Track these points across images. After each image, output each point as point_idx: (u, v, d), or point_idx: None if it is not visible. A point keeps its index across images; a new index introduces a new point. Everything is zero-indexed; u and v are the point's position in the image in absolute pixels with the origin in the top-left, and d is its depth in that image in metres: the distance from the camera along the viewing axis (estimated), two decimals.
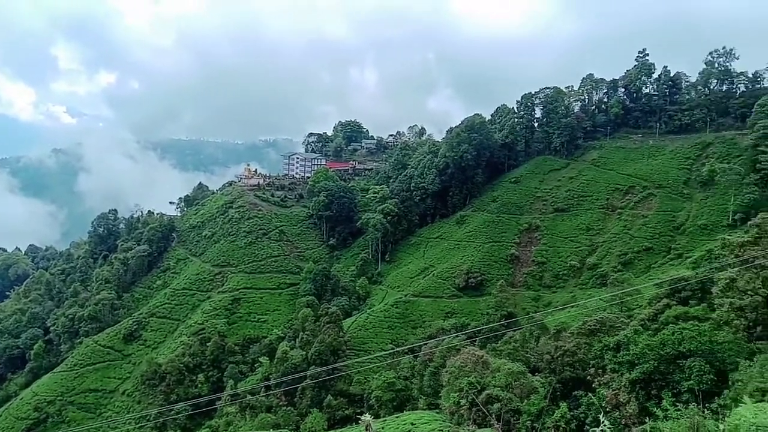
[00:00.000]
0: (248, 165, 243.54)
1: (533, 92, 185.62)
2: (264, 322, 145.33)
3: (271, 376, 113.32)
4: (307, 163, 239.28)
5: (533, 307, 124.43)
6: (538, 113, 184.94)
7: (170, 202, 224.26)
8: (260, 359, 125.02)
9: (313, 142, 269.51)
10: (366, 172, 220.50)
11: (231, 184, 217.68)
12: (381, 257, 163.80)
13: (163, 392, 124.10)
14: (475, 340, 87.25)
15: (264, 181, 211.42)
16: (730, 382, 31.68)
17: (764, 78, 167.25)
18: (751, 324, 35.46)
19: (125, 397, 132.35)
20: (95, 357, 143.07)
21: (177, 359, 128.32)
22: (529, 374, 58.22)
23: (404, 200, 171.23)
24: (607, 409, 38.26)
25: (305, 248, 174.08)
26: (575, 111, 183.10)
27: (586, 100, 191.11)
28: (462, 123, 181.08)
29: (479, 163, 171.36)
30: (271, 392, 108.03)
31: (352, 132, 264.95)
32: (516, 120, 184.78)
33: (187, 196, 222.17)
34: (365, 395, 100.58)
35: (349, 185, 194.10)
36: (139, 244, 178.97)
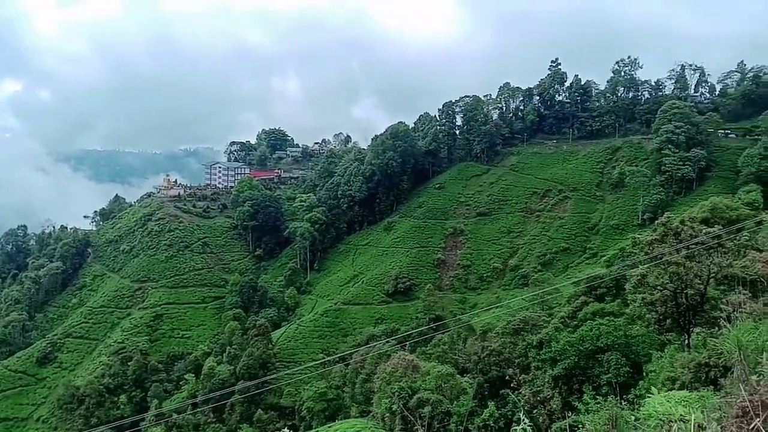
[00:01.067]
0: (168, 175, 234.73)
1: (453, 101, 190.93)
2: (189, 337, 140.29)
3: (198, 393, 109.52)
4: (230, 173, 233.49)
5: (460, 310, 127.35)
6: (459, 121, 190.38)
7: (85, 216, 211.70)
8: (186, 376, 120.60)
9: (235, 150, 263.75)
10: (292, 180, 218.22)
11: (150, 196, 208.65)
12: (309, 266, 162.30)
13: (83, 416, 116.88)
14: (405, 345, 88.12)
15: (185, 191, 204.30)
16: (644, 373, 33.67)
17: (666, 86, 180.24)
18: (661, 317, 37.84)
19: (40, 423, 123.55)
20: (5, 383, 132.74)
21: (96, 381, 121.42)
22: (458, 375, 59.41)
23: (332, 208, 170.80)
24: (533, 406, 39.72)
25: (230, 260, 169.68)
26: (494, 118, 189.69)
27: (504, 108, 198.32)
28: (386, 131, 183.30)
29: (405, 170, 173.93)
30: (199, 410, 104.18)
31: (276, 140, 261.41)
32: (438, 128, 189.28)
33: (103, 209, 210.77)
34: (297, 407, 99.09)
35: (275, 194, 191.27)
36: (51, 261, 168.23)
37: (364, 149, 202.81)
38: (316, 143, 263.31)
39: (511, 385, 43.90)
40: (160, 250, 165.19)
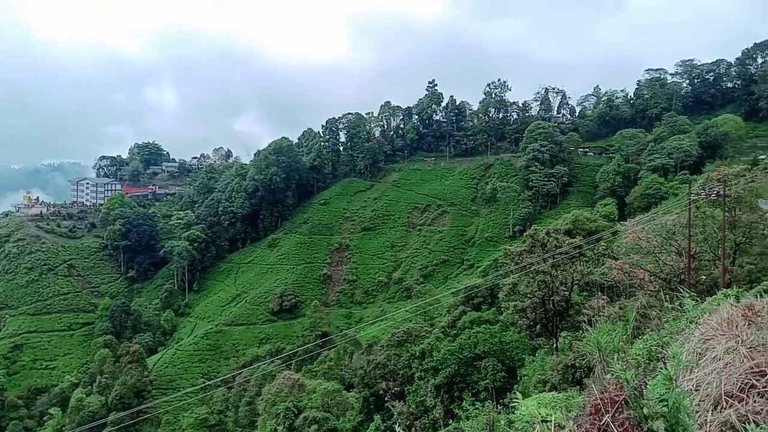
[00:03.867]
0: (28, 192, 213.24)
1: (337, 117, 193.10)
2: (53, 368, 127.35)
3: (64, 428, 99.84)
4: (99, 189, 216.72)
5: (346, 325, 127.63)
6: (342, 137, 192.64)
7: None
8: (50, 411, 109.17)
9: (105, 165, 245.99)
10: (168, 197, 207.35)
11: (8, 215, 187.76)
12: (188, 287, 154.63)
13: None
14: (291, 364, 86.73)
15: (48, 209, 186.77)
16: (518, 377, 35.80)
17: (532, 107, 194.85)
18: (531, 323, 40.60)
19: None
20: None
21: None
22: (345, 391, 59.37)
23: (212, 225, 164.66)
24: (417, 416, 40.64)
25: (100, 282, 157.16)
26: (376, 135, 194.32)
27: (386, 126, 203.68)
28: (270, 146, 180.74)
29: (289, 186, 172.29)
30: None
31: (150, 155, 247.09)
32: (322, 143, 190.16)
33: None
34: None
35: (150, 211, 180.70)
36: None
37: (246, 164, 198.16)
38: (195, 158, 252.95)
39: (385, 399, 44.73)
40: (19, 274, 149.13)
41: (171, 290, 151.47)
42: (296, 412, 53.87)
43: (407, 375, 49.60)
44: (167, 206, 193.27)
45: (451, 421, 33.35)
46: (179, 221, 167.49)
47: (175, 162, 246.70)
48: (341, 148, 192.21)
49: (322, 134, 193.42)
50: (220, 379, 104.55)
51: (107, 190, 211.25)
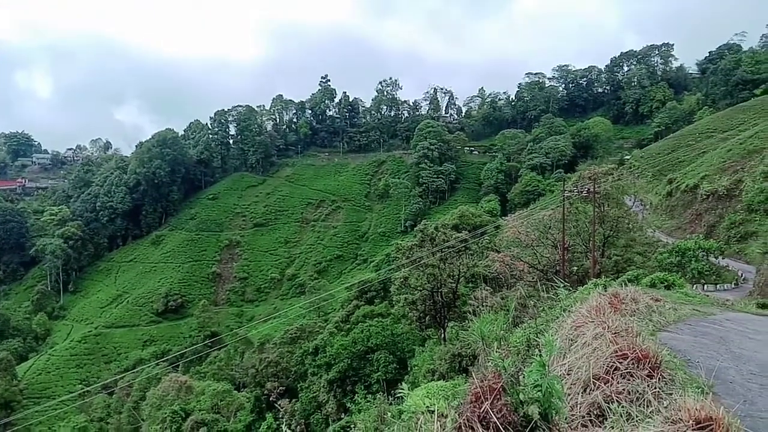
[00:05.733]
0: None
1: (227, 109, 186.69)
2: None
3: None
4: None
5: (237, 323, 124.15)
6: (232, 130, 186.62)
7: None
8: None
9: None
10: (40, 191, 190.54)
11: None
12: (63, 288, 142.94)
13: None
14: (177, 366, 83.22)
15: None
16: (409, 368, 36.69)
17: (422, 106, 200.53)
18: (421, 315, 41.78)
19: None
20: None
21: None
22: (236, 391, 57.81)
23: (89, 222, 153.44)
24: (310, 412, 40.45)
25: None
26: (268, 129, 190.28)
27: (278, 120, 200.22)
28: (154, 137, 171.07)
29: (174, 180, 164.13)
30: None
31: (19, 145, 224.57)
32: (211, 136, 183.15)
33: None
34: None
35: (18, 207, 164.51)
36: None
37: (127, 157, 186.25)
38: (70, 149, 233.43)
39: (271, 398, 44.30)
40: None
41: (44, 292, 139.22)
42: (183, 415, 51.67)
43: (300, 372, 49.20)
44: (39, 201, 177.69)
45: (343, 416, 33.55)
46: (52, 217, 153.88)
47: (48, 154, 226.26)
48: (231, 142, 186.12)
49: (210, 127, 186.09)
50: (100, 384, 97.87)
51: None
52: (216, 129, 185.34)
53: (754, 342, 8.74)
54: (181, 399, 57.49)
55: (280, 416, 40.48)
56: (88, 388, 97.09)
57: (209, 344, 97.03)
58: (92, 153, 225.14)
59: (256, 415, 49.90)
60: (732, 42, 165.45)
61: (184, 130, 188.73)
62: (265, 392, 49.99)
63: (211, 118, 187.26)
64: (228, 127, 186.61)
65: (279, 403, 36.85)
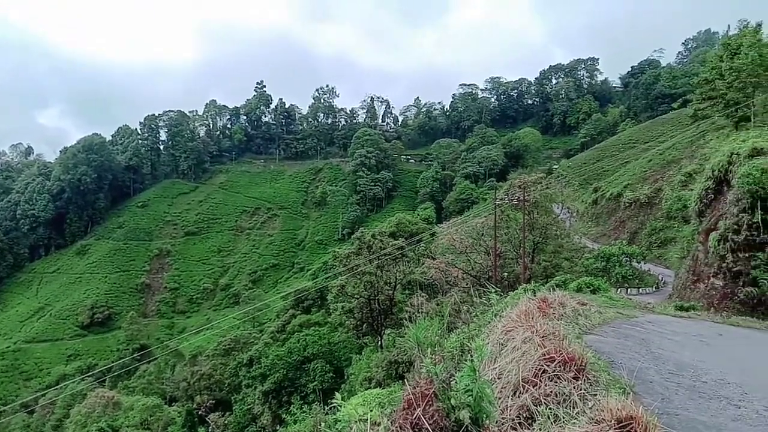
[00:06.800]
0: None
1: (157, 114, 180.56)
2: None
3: None
4: None
5: (168, 336, 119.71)
6: (163, 136, 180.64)
7: None
8: None
9: None
10: None
11: None
12: None
13: None
14: (104, 381, 79.60)
15: None
16: (346, 377, 36.51)
17: (359, 114, 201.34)
18: (358, 323, 41.71)
19: None
20: None
21: None
22: (166, 406, 55.68)
23: (8, 231, 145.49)
24: (245, 425, 39.49)
25: None
26: (201, 135, 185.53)
27: (211, 125, 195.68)
28: (79, 142, 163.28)
29: (101, 187, 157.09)
30: None
31: None
32: (140, 142, 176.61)
33: None
34: None
35: None
36: None
37: (51, 163, 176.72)
38: None
39: (200, 413, 43.13)
40: None
41: None
42: None
43: (234, 384, 48.00)
44: None
45: (279, 427, 32.91)
46: None
47: None
48: (162, 147, 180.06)
49: (140, 132, 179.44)
50: (18, 402, 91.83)
51: None
52: (146, 134, 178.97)
53: (672, 343, 9.25)
54: (108, 415, 54.80)
55: (211, 430, 39.31)
56: (5, 408, 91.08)
57: (138, 358, 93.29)
58: (12, 159, 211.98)
59: (187, 429, 48.25)
60: (652, 58, 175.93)
61: (112, 136, 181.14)
62: (196, 406, 48.45)
63: (140, 123, 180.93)
64: (159, 133, 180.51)
65: (209, 417, 35.76)
